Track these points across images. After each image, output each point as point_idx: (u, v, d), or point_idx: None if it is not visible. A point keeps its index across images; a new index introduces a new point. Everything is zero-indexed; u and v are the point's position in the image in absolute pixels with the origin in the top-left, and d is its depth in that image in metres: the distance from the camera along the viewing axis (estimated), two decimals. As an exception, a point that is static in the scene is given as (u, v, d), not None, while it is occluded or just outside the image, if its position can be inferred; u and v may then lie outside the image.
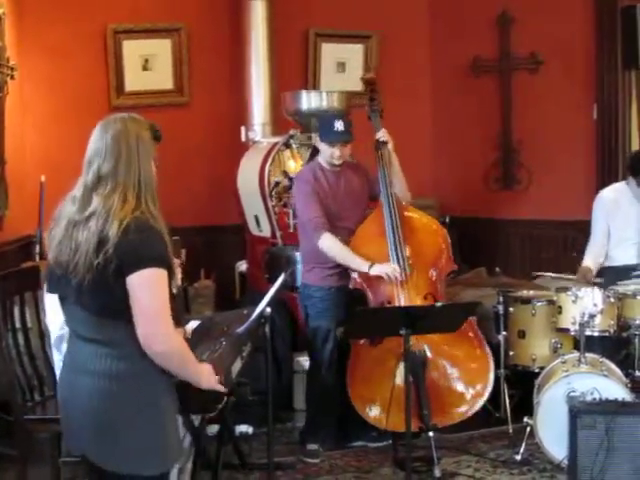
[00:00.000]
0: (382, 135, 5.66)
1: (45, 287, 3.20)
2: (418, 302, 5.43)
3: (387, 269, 5.39)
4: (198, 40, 7.70)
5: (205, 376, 3.15)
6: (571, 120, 7.74)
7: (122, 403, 3.00)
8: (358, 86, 6.04)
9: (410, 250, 5.54)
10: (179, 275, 3.39)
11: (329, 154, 5.54)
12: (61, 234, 3.03)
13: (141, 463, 3.04)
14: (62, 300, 3.13)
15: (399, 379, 5.07)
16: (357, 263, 5.45)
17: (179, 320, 3.36)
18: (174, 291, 3.14)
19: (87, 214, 2.97)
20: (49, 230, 3.11)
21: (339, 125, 5.47)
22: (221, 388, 3.21)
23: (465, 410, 5.46)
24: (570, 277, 6.00)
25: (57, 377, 3.88)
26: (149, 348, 2.95)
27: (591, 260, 6.09)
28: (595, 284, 5.74)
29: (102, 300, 2.97)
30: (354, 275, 5.49)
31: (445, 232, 5.74)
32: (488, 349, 5.51)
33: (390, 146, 5.64)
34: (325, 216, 5.45)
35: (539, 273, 6.32)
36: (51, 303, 3.24)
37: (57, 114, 7.29)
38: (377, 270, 5.39)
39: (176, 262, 3.24)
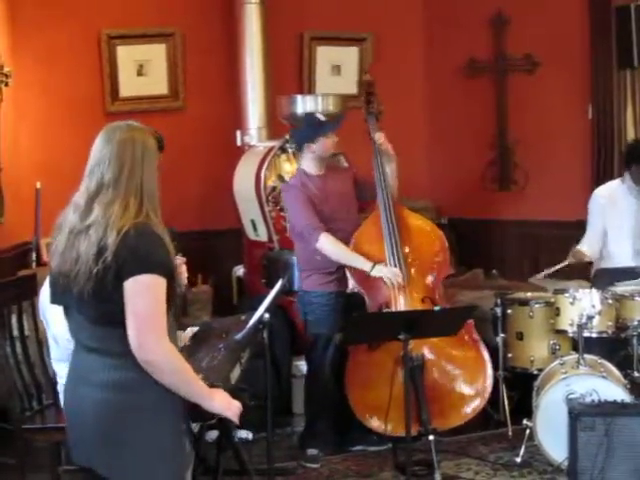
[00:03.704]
0: (379, 139, 5.66)
1: (49, 298, 3.18)
2: (416, 306, 5.43)
3: (389, 272, 5.39)
4: (193, 45, 7.69)
5: (217, 400, 3.10)
6: (567, 120, 7.74)
7: (127, 414, 2.97)
8: (354, 89, 6.05)
9: (408, 253, 5.54)
10: (184, 274, 3.36)
11: (330, 145, 5.58)
12: (64, 243, 3.00)
13: (151, 473, 3.02)
14: (66, 310, 3.11)
15: (397, 383, 5.07)
16: (359, 262, 5.45)
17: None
18: (179, 290, 3.12)
19: (88, 223, 2.95)
20: (52, 238, 3.09)
21: (320, 116, 5.57)
22: (235, 417, 3.17)
23: (464, 413, 5.47)
24: (563, 263, 5.98)
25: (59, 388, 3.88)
26: (139, 355, 2.91)
27: (585, 248, 6.08)
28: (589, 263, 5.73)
29: (103, 309, 2.95)
30: (351, 279, 5.49)
31: (443, 235, 5.74)
32: (484, 351, 5.52)
33: (389, 148, 5.64)
34: (319, 220, 5.45)
35: (533, 279, 6.30)
36: (59, 315, 3.22)
37: (52, 120, 7.27)
38: (379, 271, 5.38)
39: (180, 260, 3.21)
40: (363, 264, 5.41)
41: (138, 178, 2.98)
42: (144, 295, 2.91)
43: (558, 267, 6.02)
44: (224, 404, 3.13)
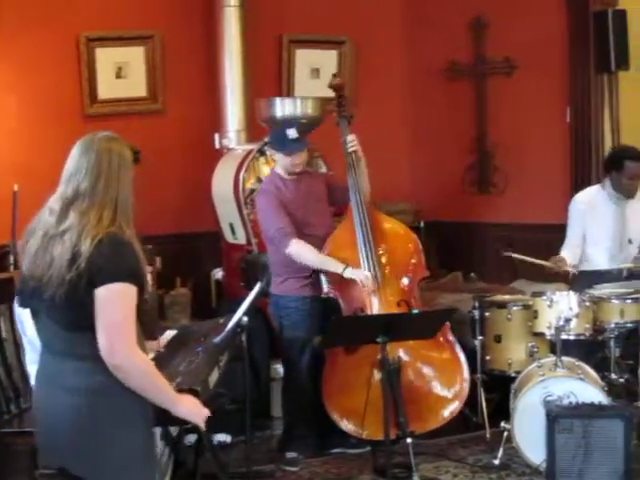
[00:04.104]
0: (351, 142, 5.66)
1: (16, 301, 3.19)
2: (391, 309, 5.44)
3: (360, 274, 5.39)
4: (172, 47, 7.67)
5: (184, 405, 3.12)
6: (545, 123, 7.77)
7: (99, 417, 3.00)
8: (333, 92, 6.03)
9: (382, 257, 5.55)
10: (150, 282, 3.38)
11: (288, 163, 5.52)
12: (37, 246, 3.03)
13: (125, 474, 3.05)
14: (34, 314, 3.13)
15: (374, 387, 5.07)
16: (331, 264, 5.44)
17: (152, 331, 3.35)
18: (146, 297, 3.14)
19: (63, 228, 2.99)
20: (24, 240, 3.11)
21: (292, 133, 5.44)
22: (201, 422, 3.19)
23: (442, 415, 5.48)
24: (542, 262, 5.99)
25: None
26: (109, 360, 2.95)
27: (566, 255, 6.10)
28: (569, 273, 5.76)
29: (74, 314, 2.98)
30: (325, 284, 5.49)
31: (417, 238, 5.76)
32: (460, 353, 5.53)
33: (359, 151, 5.64)
34: (291, 225, 5.43)
35: (510, 254, 6.26)
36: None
37: (30, 123, 7.23)
38: (351, 273, 5.38)
39: (147, 269, 3.23)
40: (335, 266, 5.41)
41: (114, 189, 3.04)
42: (115, 303, 2.95)
43: (535, 261, 6.00)
44: (192, 410, 3.16)
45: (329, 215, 5.74)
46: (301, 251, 5.41)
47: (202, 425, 3.20)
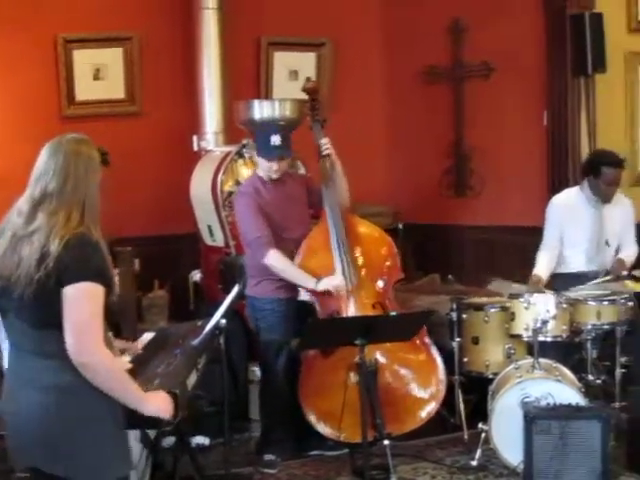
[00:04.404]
0: (324, 145, 5.67)
1: None
2: (367, 311, 5.46)
3: (333, 282, 5.40)
4: (150, 49, 7.65)
5: (152, 403, 3.13)
6: (522, 127, 7.81)
7: (68, 415, 3.02)
8: (311, 95, 6.04)
9: (357, 260, 5.57)
10: (117, 284, 3.39)
11: (267, 168, 5.52)
12: (5, 246, 3.07)
13: (96, 473, 3.07)
14: (3, 313, 3.16)
15: (351, 390, 5.08)
16: (304, 280, 5.45)
17: (131, 331, 3.34)
18: (114, 299, 3.16)
19: (32, 229, 3.03)
20: None
21: (275, 139, 5.44)
22: (167, 416, 3.18)
23: (419, 417, 5.51)
24: (521, 287, 6.02)
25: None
26: (75, 359, 2.97)
27: (543, 267, 6.13)
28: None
29: (42, 313, 3.01)
30: (302, 289, 5.49)
31: (391, 241, 5.78)
32: (436, 354, 5.55)
33: (333, 156, 5.65)
34: (269, 231, 5.44)
35: (494, 279, 6.33)
36: None
37: (7, 124, 7.20)
38: (324, 285, 5.39)
39: (114, 271, 3.25)
40: (308, 282, 5.43)
41: (82, 191, 3.08)
42: (83, 301, 2.98)
43: (517, 286, 6.04)
44: (159, 406, 3.15)
45: (307, 218, 5.74)
46: (277, 263, 5.42)
47: (168, 417, 3.18)
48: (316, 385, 5.43)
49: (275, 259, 5.41)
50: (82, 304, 2.98)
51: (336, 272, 5.48)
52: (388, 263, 5.70)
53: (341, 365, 5.23)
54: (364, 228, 5.78)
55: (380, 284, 5.62)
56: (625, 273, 5.98)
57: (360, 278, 5.53)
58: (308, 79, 6.12)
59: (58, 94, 7.46)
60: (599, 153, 6.67)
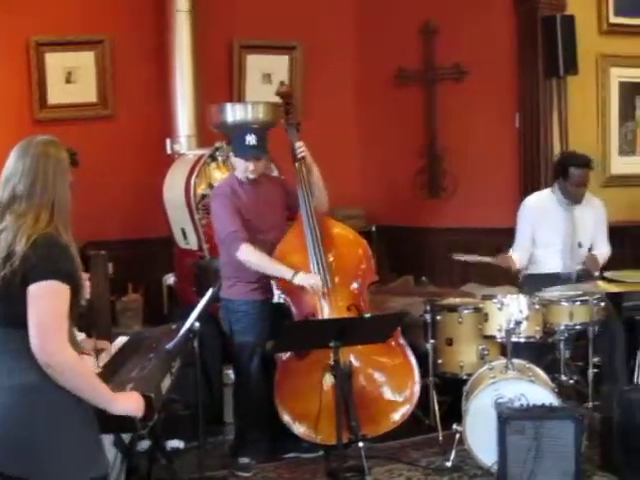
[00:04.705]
0: (299, 148, 5.67)
1: None
2: (341, 314, 5.46)
3: (310, 280, 5.41)
4: (122, 52, 7.63)
5: (120, 402, 3.12)
6: (494, 129, 7.84)
7: (34, 415, 2.99)
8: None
9: (331, 262, 5.57)
10: (87, 289, 3.37)
11: (243, 168, 5.53)
12: None
13: (65, 472, 3.03)
14: None
15: (326, 391, 5.08)
16: (280, 271, 5.44)
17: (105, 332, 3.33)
18: (83, 303, 3.16)
19: None
20: None
21: (251, 139, 5.45)
22: (138, 414, 3.18)
23: (393, 419, 5.51)
24: (488, 259, 6.04)
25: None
26: (40, 358, 2.95)
27: (515, 257, 6.16)
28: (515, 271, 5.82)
29: (7, 311, 3.01)
30: (276, 290, 5.49)
31: (366, 243, 5.79)
32: (411, 356, 5.56)
33: (309, 159, 5.66)
34: (244, 229, 5.44)
35: (458, 257, 6.30)
36: None
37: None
38: (301, 279, 5.39)
39: (85, 276, 3.24)
40: (285, 273, 5.42)
41: (51, 192, 3.07)
42: (47, 300, 2.97)
43: (480, 259, 6.06)
44: (128, 405, 3.15)
45: (283, 221, 5.74)
46: (251, 256, 5.42)
47: (139, 414, 3.17)
48: (292, 387, 5.42)
49: (249, 252, 5.40)
50: (46, 302, 2.96)
51: (311, 272, 5.49)
52: (363, 265, 5.71)
53: (316, 367, 5.23)
54: (339, 230, 5.79)
55: (355, 286, 5.64)
56: (597, 273, 6.01)
57: (335, 280, 5.54)
58: (282, 83, 6.13)
59: (30, 97, 7.43)
60: (567, 155, 6.75)
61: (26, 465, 3.00)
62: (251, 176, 5.54)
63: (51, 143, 3.16)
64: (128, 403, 3.14)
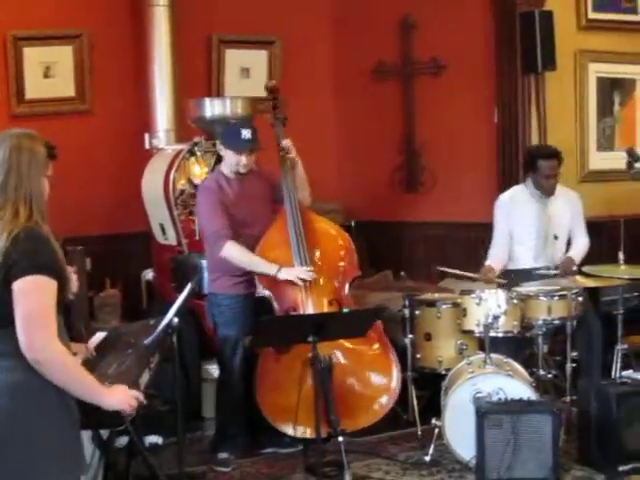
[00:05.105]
0: (286, 144, 5.67)
1: None
2: (324, 308, 5.47)
3: (295, 272, 5.41)
4: (100, 47, 7.59)
5: (111, 396, 3.11)
6: (473, 124, 7.86)
7: (20, 415, 2.96)
8: (263, 92, 6.04)
9: (314, 257, 5.58)
10: (75, 283, 3.36)
11: (235, 162, 5.53)
12: None
13: (45, 474, 3.00)
14: None
15: (306, 386, 5.09)
16: (264, 267, 5.46)
17: (78, 330, 3.31)
18: (71, 297, 3.15)
19: None
20: None
21: (246, 133, 5.48)
22: (129, 409, 3.17)
23: (373, 413, 5.51)
24: (473, 275, 6.08)
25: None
26: (29, 355, 2.93)
27: (494, 262, 6.19)
28: (499, 284, 5.85)
29: None
30: (259, 285, 5.49)
31: (348, 238, 5.79)
32: (391, 351, 5.57)
33: (294, 154, 5.66)
34: (229, 226, 5.44)
35: (442, 269, 6.37)
36: None
37: (-45, 123, 7.12)
38: (285, 274, 5.40)
39: (71, 269, 3.22)
40: (269, 268, 5.43)
41: (26, 186, 3.04)
42: (32, 295, 2.94)
43: (466, 274, 6.09)
44: (119, 399, 3.14)
45: (269, 215, 5.72)
46: (234, 253, 5.42)
47: (130, 411, 3.17)
48: (272, 381, 5.42)
49: (232, 250, 5.41)
50: (32, 297, 2.93)
51: (295, 266, 5.49)
52: (345, 260, 5.72)
53: (297, 361, 5.22)
54: (322, 225, 5.79)
55: (337, 281, 5.64)
56: (575, 268, 6.04)
57: (318, 274, 5.54)
58: (270, 77, 6.13)
59: (7, 92, 7.37)
60: (534, 148, 6.85)
61: (11, 466, 2.97)
62: (242, 170, 5.54)
63: (26, 135, 3.12)
64: (118, 397, 3.13)
